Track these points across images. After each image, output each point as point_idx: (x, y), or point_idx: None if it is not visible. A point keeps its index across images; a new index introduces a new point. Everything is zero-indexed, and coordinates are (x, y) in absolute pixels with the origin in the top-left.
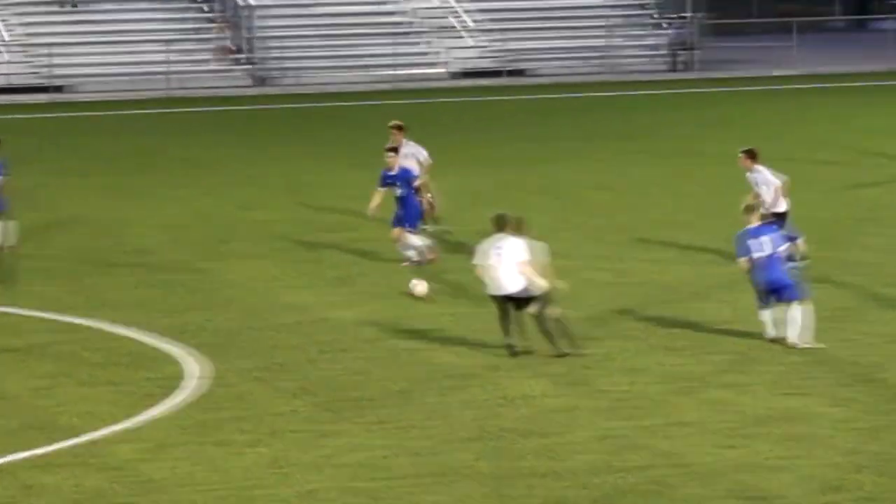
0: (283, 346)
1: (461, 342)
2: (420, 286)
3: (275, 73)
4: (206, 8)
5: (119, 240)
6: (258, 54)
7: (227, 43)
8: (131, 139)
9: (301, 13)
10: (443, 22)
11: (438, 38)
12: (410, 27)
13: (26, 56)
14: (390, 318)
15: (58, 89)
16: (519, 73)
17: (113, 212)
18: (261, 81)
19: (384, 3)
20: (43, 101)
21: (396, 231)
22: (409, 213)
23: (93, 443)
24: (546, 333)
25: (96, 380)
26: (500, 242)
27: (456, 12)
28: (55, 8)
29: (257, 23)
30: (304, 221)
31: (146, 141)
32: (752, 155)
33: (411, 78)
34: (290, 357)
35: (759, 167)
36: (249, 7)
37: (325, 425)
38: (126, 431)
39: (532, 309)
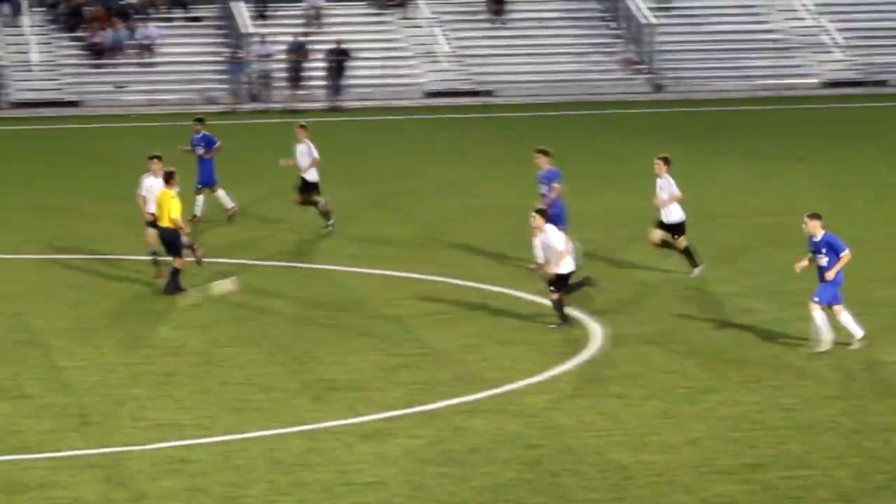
0: (675, 315)
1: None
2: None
3: (671, 82)
4: (613, 25)
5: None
6: (657, 65)
7: (631, 55)
8: (547, 136)
9: (693, 31)
10: (814, 39)
11: (811, 52)
12: (787, 43)
13: (461, 65)
14: (767, 291)
15: (487, 93)
16: (881, 83)
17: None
18: (658, 88)
19: (764, 23)
20: (475, 104)
21: None
22: None
23: (511, 393)
24: None
25: (514, 339)
26: None
27: (826, 30)
28: (486, 24)
29: (656, 38)
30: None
31: (561, 137)
32: (667, 161)
33: (787, 87)
34: (680, 324)
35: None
36: (650, 25)
37: (709, 382)
38: (539, 384)
39: None
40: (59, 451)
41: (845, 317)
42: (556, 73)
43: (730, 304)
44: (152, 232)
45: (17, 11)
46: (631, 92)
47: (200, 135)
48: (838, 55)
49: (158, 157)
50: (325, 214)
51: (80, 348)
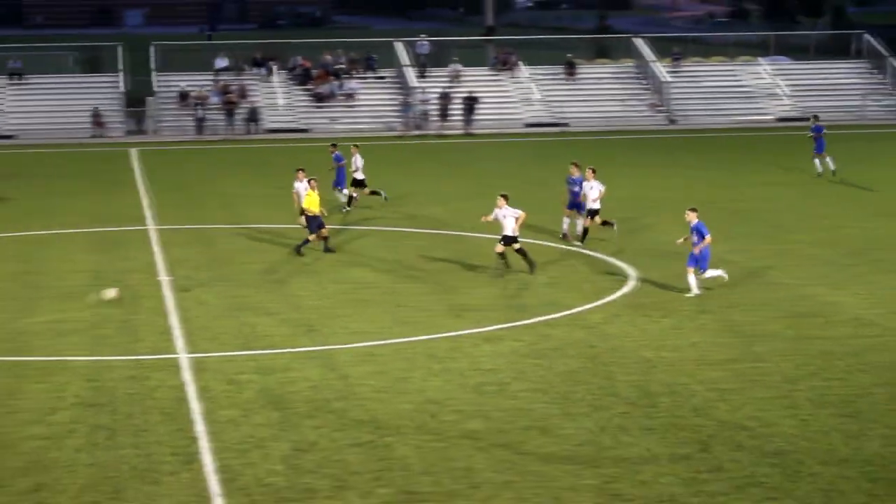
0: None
1: None
2: None
3: (680, 118)
4: (643, 81)
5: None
6: (671, 107)
7: (655, 101)
8: (601, 153)
9: (694, 85)
10: (771, 90)
11: (769, 98)
12: (753, 93)
13: (547, 106)
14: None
15: (564, 125)
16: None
17: None
18: (672, 122)
19: (739, 79)
20: (555, 132)
21: None
22: None
23: (578, 313)
24: None
25: (582, 279)
26: None
27: (778, 84)
28: (563, 79)
29: (671, 90)
30: None
31: (609, 153)
32: (594, 170)
33: (752, 122)
34: (683, 270)
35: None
36: (667, 82)
37: (703, 307)
38: (596, 307)
39: None
40: (293, 347)
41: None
42: (607, 112)
43: (720, 260)
44: (302, 219)
45: (269, 72)
46: (654, 125)
47: (335, 154)
48: (786, 101)
49: (302, 170)
50: (350, 200)
51: (307, 282)
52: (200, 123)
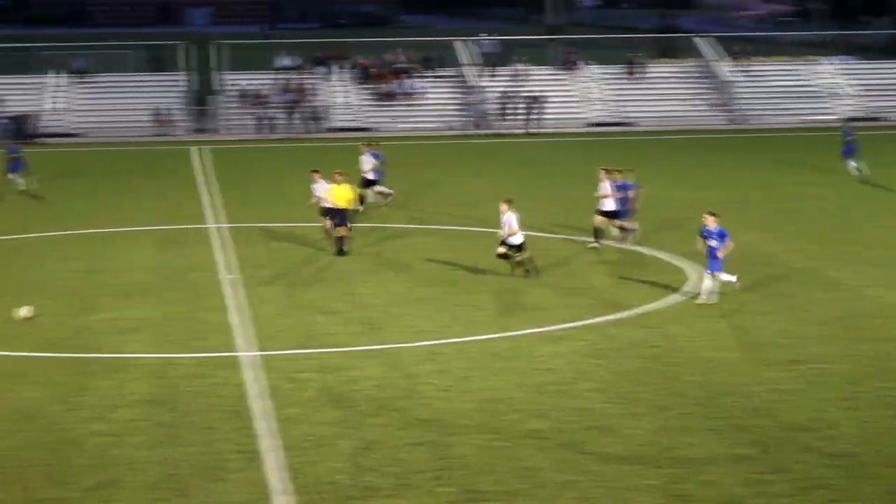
0: (740, 266)
1: None
2: None
3: (742, 118)
4: (706, 81)
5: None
6: (734, 107)
7: (717, 101)
8: (664, 152)
9: (757, 86)
10: (833, 89)
11: (832, 98)
12: (816, 92)
13: (610, 106)
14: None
15: (627, 124)
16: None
17: None
18: (734, 122)
19: (803, 79)
20: (617, 131)
21: None
22: None
23: (640, 313)
24: None
25: (644, 279)
26: None
27: (841, 84)
28: (626, 79)
29: (734, 90)
30: None
31: (673, 153)
32: (608, 171)
33: (816, 121)
34: (739, 271)
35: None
36: (730, 81)
37: (762, 307)
38: (657, 308)
39: None
40: (355, 346)
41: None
42: (670, 112)
43: (775, 259)
44: (328, 221)
45: (329, 71)
46: (717, 124)
47: (376, 153)
48: (850, 101)
49: (317, 171)
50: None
51: (369, 281)
52: (262, 122)
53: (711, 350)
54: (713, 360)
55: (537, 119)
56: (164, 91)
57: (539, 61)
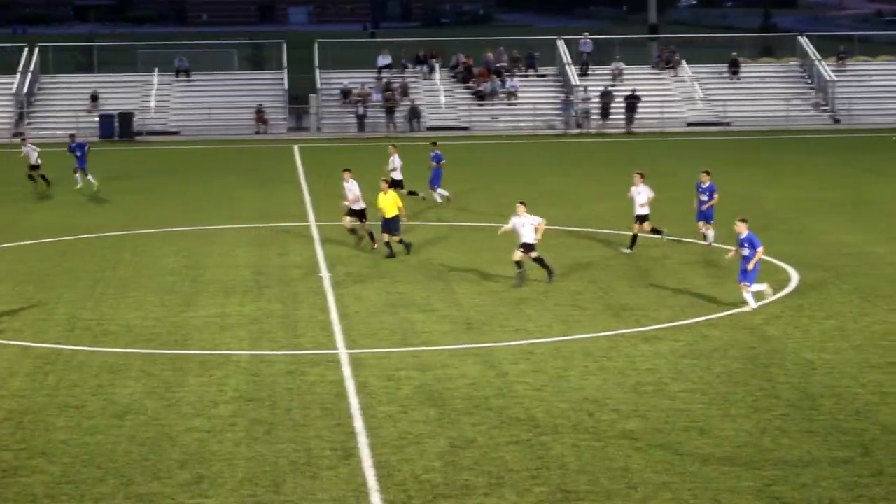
0: (843, 265)
1: None
2: None
3: (844, 117)
4: (808, 81)
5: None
6: (835, 106)
7: (819, 100)
8: (762, 153)
9: (859, 85)
10: None
11: None
12: None
13: (710, 105)
14: None
15: (726, 124)
16: None
17: None
18: (836, 122)
19: None
20: (717, 131)
21: None
22: None
23: (737, 314)
24: None
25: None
26: None
27: None
28: (726, 79)
29: (835, 90)
30: None
31: (773, 153)
32: (642, 175)
33: None
34: (846, 271)
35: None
36: (832, 81)
37: (866, 309)
38: (757, 307)
39: None
40: (452, 344)
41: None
42: (770, 111)
43: (878, 261)
44: (347, 219)
45: (431, 70)
46: (818, 124)
47: (434, 153)
48: None
49: (349, 170)
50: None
51: (466, 280)
52: (362, 120)
53: (811, 351)
54: (813, 361)
55: (636, 118)
56: (264, 89)
57: (639, 60)
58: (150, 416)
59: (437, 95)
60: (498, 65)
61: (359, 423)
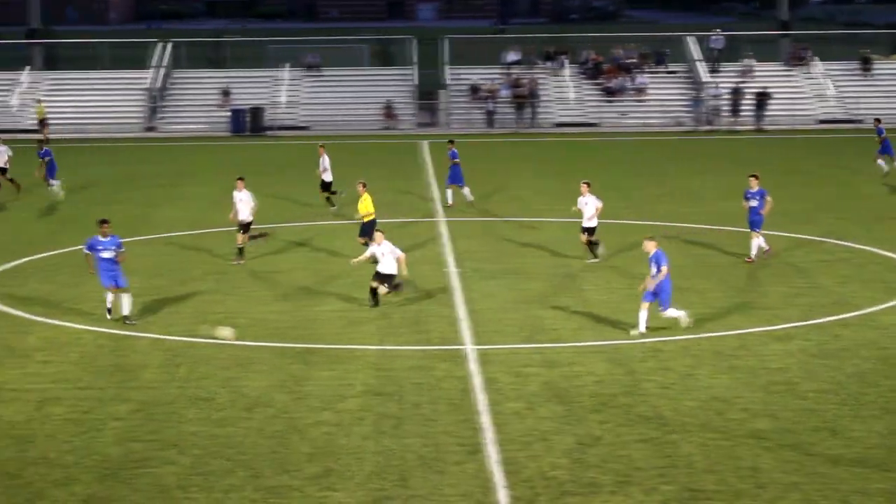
0: None
1: None
2: None
3: None
4: None
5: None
6: None
7: None
8: None
9: None
10: None
11: None
12: None
13: (841, 102)
14: None
15: (858, 121)
16: None
17: None
18: None
19: None
20: (849, 129)
21: None
22: None
23: (870, 313)
24: None
25: (873, 279)
26: None
27: None
28: (859, 75)
29: None
30: None
31: None
32: (588, 185)
33: None
34: None
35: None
36: None
37: None
38: (888, 307)
39: None
40: (579, 341)
41: None
42: None
43: None
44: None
45: (560, 66)
46: None
47: (451, 151)
48: None
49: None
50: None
51: (594, 276)
52: (490, 116)
53: None
54: None
55: (767, 115)
56: (393, 85)
57: (769, 57)
58: (278, 409)
59: (566, 91)
60: (627, 61)
61: (486, 419)
